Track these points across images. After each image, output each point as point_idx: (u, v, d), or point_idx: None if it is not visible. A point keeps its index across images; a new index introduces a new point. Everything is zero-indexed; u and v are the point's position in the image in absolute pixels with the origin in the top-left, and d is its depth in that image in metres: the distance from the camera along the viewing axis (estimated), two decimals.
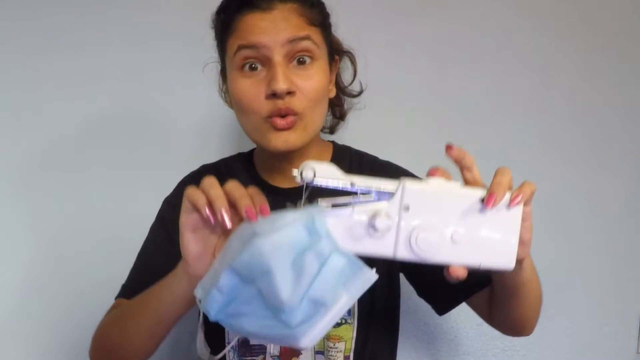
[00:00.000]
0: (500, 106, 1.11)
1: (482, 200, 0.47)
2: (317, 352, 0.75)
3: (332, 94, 0.78)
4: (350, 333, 0.74)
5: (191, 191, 0.51)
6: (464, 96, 1.11)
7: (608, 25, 1.14)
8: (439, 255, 0.47)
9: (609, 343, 1.14)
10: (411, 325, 1.10)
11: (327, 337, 0.74)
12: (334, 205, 0.48)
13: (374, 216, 0.46)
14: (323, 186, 0.46)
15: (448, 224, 0.47)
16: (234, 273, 0.48)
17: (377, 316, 0.76)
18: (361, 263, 0.46)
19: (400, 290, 0.81)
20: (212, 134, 1.11)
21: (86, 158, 1.09)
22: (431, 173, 0.48)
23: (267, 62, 0.67)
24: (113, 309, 0.72)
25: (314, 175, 0.46)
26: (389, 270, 0.77)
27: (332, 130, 0.87)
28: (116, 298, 0.74)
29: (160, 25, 1.09)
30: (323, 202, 0.48)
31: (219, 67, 0.78)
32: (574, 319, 1.13)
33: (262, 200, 0.49)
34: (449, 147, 0.49)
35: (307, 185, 0.47)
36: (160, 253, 0.73)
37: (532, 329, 0.71)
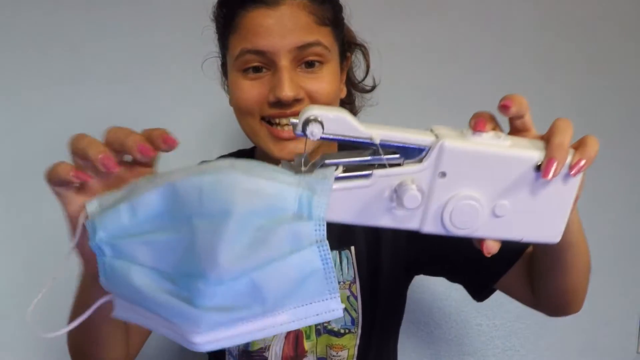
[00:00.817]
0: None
1: (538, 167, 0.37)
2: (319, 359, 0.74)
3: (343, 94, 0.72)
4: (353, 341, 0.73)
5: (61, 168, 0.40)
6: (472, 95, 1.11)
7: (608, 25, 1.13)
8: (475, 231, 0.39)
9: (609, 343, 1.14)
10: (411, 325, 1.10)
11: (330, 346, 0.72)
12: (346, 170, 0.37)
13: (399, 188, 0.36)
14: (331, 140, 0.36)
15: (491, 195, 0.38)
16: (168, 197, 0.34)
17: (381, 324, 0.75)
18: (336, 287, 0.35)
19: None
20: (213, 133, 1.11)
21: None
22: (478, 127, 0.37)
23: (272, 65, 0.62)
24: None
25: (322, 130, 0.35)
26: (395, 277, 0.74)
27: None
28: None
29: (160, 24, 1.09)
30: (332, 165, 0.36)
31: (219, 62, 0.74)
32: (574, 319, 1.12)
33: (160, 131, 0.38)
34: (506, 107, 0.39)
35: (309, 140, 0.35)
36: None
37: (581, 303, 0.64)
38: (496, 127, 0.39)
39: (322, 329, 0.72)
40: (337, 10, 0.68)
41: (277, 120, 0.64)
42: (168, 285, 0.33)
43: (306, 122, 0.35)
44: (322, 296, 0.35)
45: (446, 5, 1.12)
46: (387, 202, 0.37)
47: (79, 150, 0.39)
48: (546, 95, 1.12)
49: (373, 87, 0.82)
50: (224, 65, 0.72)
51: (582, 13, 1.13)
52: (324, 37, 0.63)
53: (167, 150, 0.37)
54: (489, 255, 0.40)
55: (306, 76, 0.63)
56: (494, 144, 0.37)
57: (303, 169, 0.37)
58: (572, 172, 0.38)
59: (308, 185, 0.35)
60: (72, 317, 0.53)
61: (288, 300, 0.34)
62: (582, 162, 0.38)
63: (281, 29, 0.60)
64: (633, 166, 1.14)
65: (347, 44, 0.74)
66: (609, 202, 1.12)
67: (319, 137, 0.35)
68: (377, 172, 0.36)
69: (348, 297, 0.71)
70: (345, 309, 0.71)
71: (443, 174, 0.37)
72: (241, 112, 0.66)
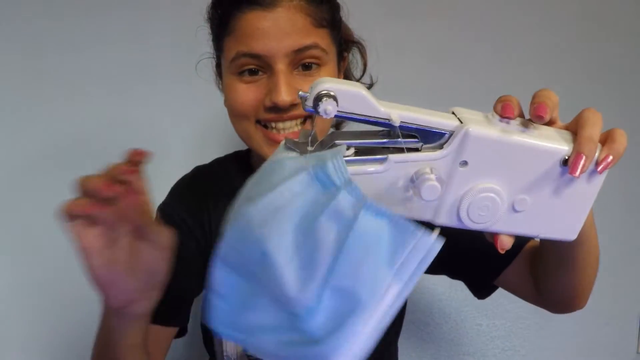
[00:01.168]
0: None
1: (565, 162, 0.34)
2: None
3: None
4: None
5: (69, 204, 0.41)
6: (471, 92, 1.11)
7: (608, 25, 1.13)
8: (491, 226, 0.36)
9: (609, 343, 1.14)
10: (411, 325, 1.10)
11: None
12: (357, 153, 0.33)
13: (417, 177, 0.33)
14: (347, 118, 0.32)
15: (513, 188, 0.35)
16: (225, 265, 0.34)
17: None
18: (413, 225, 0.30)
19: None
20: (209, 135, 1.10)
21: (84, 159, 1.09)
22: (506, 112, 0.34)
23: (268, 68, 0.60)
24: None
25: (337, 106, 0.31)
26: None
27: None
28: None
29: (156, 26, 1.08)
30: (343, 145, 0.33)
31: (214, 62, 0.72)
32: (574, 319, 1.13)
33: (134, 151, 0.40)
34: (540, 116, 0.35)
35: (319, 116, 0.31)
36: None
37: (586, 299, 0.62)
38: (522, 114, 0.37)
39: None
40: (335, 10, 0.66)
41: (273, 124, 0.63)
42: (290, 335, 0.32)
43: (318, 98, 0.30)
44: (409, 244, 0.30)
45: (444, 3, 1.12)
46: (402, 191, 0.33)
47: (85, 189, 0.41)
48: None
49: (371, 85, 0.81)
50: (218, 66, 0.71)
51: (582, 13, 1.13)
52: (321, 39, 0.61)
53: (143, 162, 0.40)
54: (503, 252, 0.38)
55: (303, 78, 0.61)
56: (522, 132, 0.34)
57: (310, 148, 0.34)
58: (599, 168, 0.35)
59: (317, 160, 0.31)
60: (98, 348, 0.54)
61: (383, 272, 0.30)
62: (610, 158, 0.35)
63: (277, 32, 0.58)
64: (633, 166, 1.14)
65: (345, 42, 0.72)
66: (609, 202, 1.12)
67: (332, 115, 0.31)
68: (393, 156, 0.33)
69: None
70: None
71: (464, 163, 0.33)
72: (236, 115, 0.64)
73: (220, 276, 0.34)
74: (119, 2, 1.08)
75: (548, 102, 0.36)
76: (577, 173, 0.33)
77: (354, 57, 0.78)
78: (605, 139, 0.37)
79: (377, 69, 0.84)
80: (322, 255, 0.29)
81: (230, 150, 0.86)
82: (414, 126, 0.33)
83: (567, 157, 0.34)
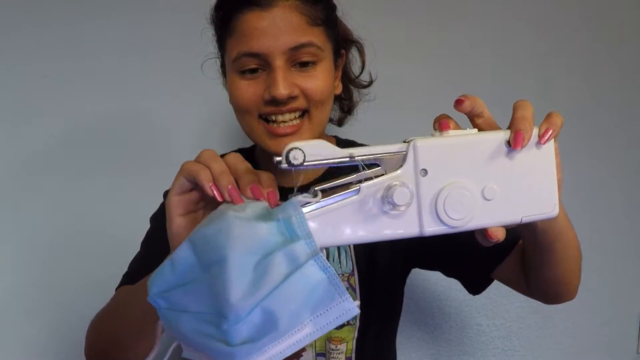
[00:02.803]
0: (503, 103, 1.11)
1: (509, 143, 0.40)
2: (318, 354, 0.74)
3: (338, 90, 0.75)
4: (352, 334, 0.73)
5: (190, 165, 0.44)
6: (468, 90, 1.10)
7: (607, 26, 1.14)
8: (473, 219, 0.40)
9: (609, 343, 1.14)
10: (411, 325, 1.10)
11: (329, 339, 0.73)
12: (331, 189, 0.40)
13: (388, 189, 0.38)
14: (316, 166, 0.38)
15: (475, 180, 0.39)
16: (191, 248, 0.39)
17: (379, 317, 0.76)
18: (343, 288, 0.37)
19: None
20: (212, 134, 1.11)
21: (85, 159, 1.09)
22: (442, 126, 0.41)
23: (267, 65, 0.65)
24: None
25: (304, 158, 0.37)
26: (393, 269, 0.76)
27: (340, 122, 0.85)
28: (116, 289, 0.71)
29: (159, 24, 1.09)
30: (300, 196, 0.39)
31: (219, 63, 0.76)
32: (574, 319, 1.13)
33: (271, 183, 0.43)
34: (460, 101, 0.42)
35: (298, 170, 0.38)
36: (163, 241, 0.71)
37: (574, 292, 0.65)
38: (459, 127, 0.42)
39: None
40: (330, 9, 0.69)
41: (273, 118, 0.66)
42: (209, 328, 0.37)
43: (288, 151, 0.37)
44: (334, 301, 0.37)
45: (444, 3, 1.12)
46: (380, 207, 0.38)
47: (200, 175, 0.43)
48: (545, 93, 1.12)
49: (370, 83, 0.84)
50: (223, 66, 0.74)
51: (582, 13, 1.13)
52: (317, 37, 0.65)
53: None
54: (497, 241, 0.41)
55: (300, 75, 0.65)
56: (461, 133, 0.40)
57: (290, 195, 0.40)
58: (543, 140, 0.41)
59: (283, 213, 0.38)
60: (134, 289, 0.56)
61: (305, 314, 0.37)
62: (550, 131, 0.41)
63: (274, 31, 0.62)
64: (633, 166, 1.14)
65: (343, 41, 0.76)
66: (609, 202, 1.13)
67: (300, 162, 0.37)
68: (364, 185, 0.38)
69: (347, 289, 0.71)
70: None
71: (425, 172, 0.39)
72: (239, 110, 0.69)
73: (183, 251, 0.39)
74: (121, 3, 1.08)
75: (467, 96, 0.42)
76: (520, 146, 0.39)
77: (353, 56, 0.80)
78: (544, 121, 0.42)
79: (377, 69, 0.84)
80: (268, 280, 0.35)
81: (232, 146, 0.87)
82: (373, 157, 0.39)
83: (508, 139, 0.40)
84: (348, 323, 0.73)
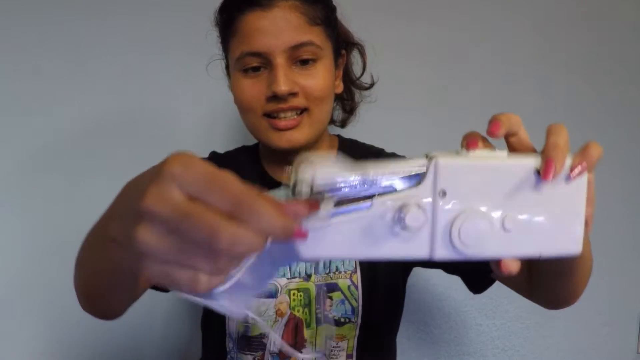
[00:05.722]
0: (504, 104, 1.11)
1: (538, 172, 0.36)
2: (318, 352, 0.74)
3: (339, 89, 0.77)
4: (353, 332, 0.74)
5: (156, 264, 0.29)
6: (470, 91, 1.11)
7: (607, 25, 1.14)
8: (488, 249, 0.37)
9: (609, 343, 1.14)
10: (411, 325, 1.10)
11: (330, 337, 0.73)
12: (341, 202, 0.36)
13: (401, 209, 0.35)
14: (327, 192, 0.35)
15: (497, 208, 0.36)
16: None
17: (380, 315, 0.76)
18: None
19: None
20: (215, 133, 1.11)
21: (87, 157, 1.09)
22: (470, 144, 0.37)
23: (269, 64, 0.67)
24: None
25: (312, 184, 0.34)
26: (395, 267, 0.76)
27: (343, 124, 0.86)
28: None
29: (162, 23, 1.09)
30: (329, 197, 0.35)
31: (224, 64, 0.78)
32: (574, 319, 1.13)
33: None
34: (495, 127, 0.38)
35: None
36: None
37: (578, 298, 0.64)
38: (489, 145, 0.39)
39: (323, 318, 0.72)
40: (329, 10, 0.72)
41: (275, 115, 0.69)
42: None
43: (295, 184, 0.34)
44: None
45: (445, 3, 1.12)
46: (391, 226, 0.36)
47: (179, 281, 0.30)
48: (545, 93, 1.12)
49: (371, 85, 0.85)
50: (228, 68, 0.76)
51: (582, 12, 1.13)
52: (316, 36, 0.68)
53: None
54: (509, 275, 0.38)
55: (301, 73, 0.68)
56: (489, 155, 0.37)
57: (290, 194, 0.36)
58: (572, 174, 0.37)
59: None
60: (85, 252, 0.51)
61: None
62: (583, 164, 0.37)
63: (275, 30, 0.65)
64: (633, 166, 1.14)
65: (344, 43, 0.77)
66: (609, 202, 1.13)
67: (308, 196, 0.34)
68: (378, 200, 0.36)
69: (349, 287, 0.73)
70: (346, 298, 0.73)
71: (443, 193, 0.36)
72: (243, 109, 0.71)
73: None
74: (125, 1, 1.08)
75: (502, 119, 0.38)
76: (550, 177, 0.35)
77: (355, 57, 0.82)
78: (579, 150, 0.38)
79: (378, 70, 0.85)
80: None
81: (235, 143, 0.88)
82: (391, 180, 0.36)
83: (538, 167, 0.36)
84: (349, 320, 0.73)
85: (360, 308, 0.73)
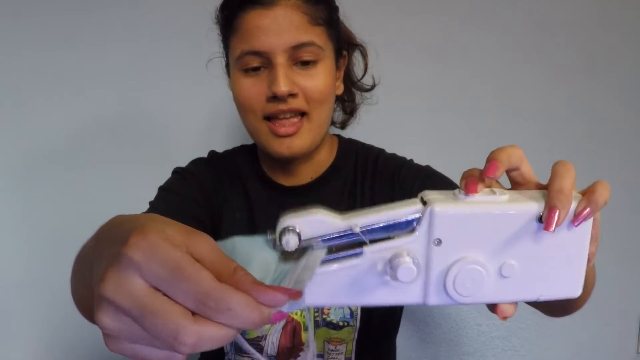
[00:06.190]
0: (504, 105, 1.11)
1: (540, 219, 0.34)
2: (317, 355, 0.74)
3: (340, 91, 0.76)
4: (352, 335, 0.73)
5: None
6: (471, 92, 1.11)
7: (609, 25, 1.13)
8: (484, 296, 0.35)
9: (609, 343, 1.14)
10: (411, 325, 1.10)
11: (328, 340, 0.73)
12: (335, 250, 0.36)
13: (392, 260, 0.34)
14: (315, 246, 0.34)
15: (494, 255, 0.35)
16: None
17: (379, 318, 0.75)
18: None
19: None
20: (215, 132, 1.11)
21: (87, 156, 1.09)
22: (468, 190, 0.35)
23: (269, 63, 0.66)
24: None
25: (299, 240, 0.34)
26: None
27: (343, 125, 0.86)
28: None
29: (162, 21, 1.08)
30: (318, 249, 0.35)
31: (224, 63, 0.77)
32: (574, 319, 1.12)
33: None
34: (492, 169, 0.35)
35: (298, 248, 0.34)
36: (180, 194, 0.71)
37: (580, 307, 0.62)
38: (489, 184, 0.37)
39: (321, 321, 0.72)
40: (331, 10, 0.71)
41: (274, 116, 0.67)
42: None
43: (281, 233, 0.34)
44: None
45: (445, 3, 1.11)
46: (382, 276, 0.35)
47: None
48: (545, 93, 1.12)
49: (372, 86, 0.84)
50: (228, 66, 0.75)
51: (582, 13, 1.13)
52: (318, 36, 0.67)
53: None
54: (504, 320, 0.37)
55: (301, 73, 0.66)
56: (489, 201, 0.35)
57: (279, 255, 0.36)
58: (576, 222, 0.34)
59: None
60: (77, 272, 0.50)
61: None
62: (587, 211, 0.34)
63: (276, 29, 0.64)
64: (633, 166, 1.14)
65: (346, 44, 0.76)
66: (609, 203, 1.12)
67: (295, 247, 0.34)
68: (368, 248, 0.34)
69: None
70: None
71: (438, 241, 0.34)
72: (243, 109, 0.69)
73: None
74: (135, 4, 1.08)
75: (501, 159, 0.35)
76: (552, 228, 0.33)
77: (356, 59, 0.81)
78: (587, 191, 0.36)
79: (379, 69, 0.85)
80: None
81: (234, 143, 0.88)
82: (379, 226, 0.35)
83: (541, 214, 0.34)
84: (348, 324, 0.73)
85: (359, 312, 0.73)
